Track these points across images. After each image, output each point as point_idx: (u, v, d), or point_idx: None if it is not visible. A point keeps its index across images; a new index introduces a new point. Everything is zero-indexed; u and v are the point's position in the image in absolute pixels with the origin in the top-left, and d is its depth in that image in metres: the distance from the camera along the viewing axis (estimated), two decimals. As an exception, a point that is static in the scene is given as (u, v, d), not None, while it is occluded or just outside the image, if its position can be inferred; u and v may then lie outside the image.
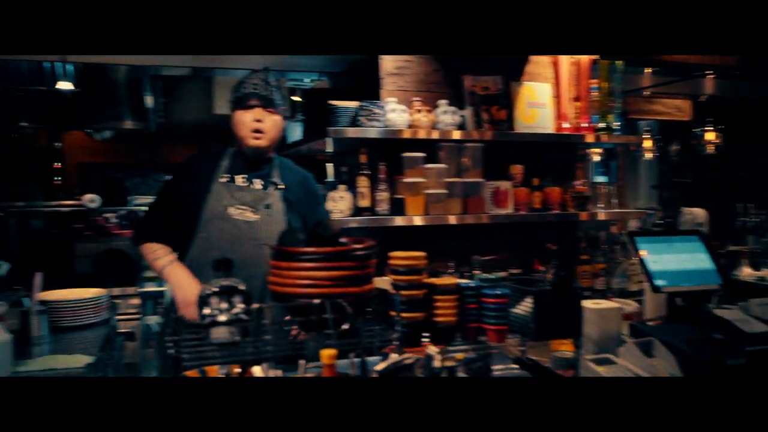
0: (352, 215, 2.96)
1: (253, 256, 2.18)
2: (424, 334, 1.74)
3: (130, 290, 4.19)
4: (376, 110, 2.94)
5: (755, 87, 5.51)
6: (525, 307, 1.87)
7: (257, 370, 1.50)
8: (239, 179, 2.32)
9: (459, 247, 3.12)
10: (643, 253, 1.99)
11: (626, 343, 1.76)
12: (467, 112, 3.15)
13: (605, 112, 3.37)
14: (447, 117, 3.07)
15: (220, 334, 1.41)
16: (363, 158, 3.02)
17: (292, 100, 6.15)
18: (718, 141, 6.30)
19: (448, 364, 1.56)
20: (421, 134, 3.01)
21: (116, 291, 4.02)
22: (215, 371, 1.53)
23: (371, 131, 2.93)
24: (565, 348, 1.94)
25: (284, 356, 1.55)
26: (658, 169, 7.45)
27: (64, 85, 3.25)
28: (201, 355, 1.43)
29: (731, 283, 2.24)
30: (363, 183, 3.00)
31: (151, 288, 4.35)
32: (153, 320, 4.06)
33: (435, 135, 3.04)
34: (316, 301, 1.42)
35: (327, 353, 1.41)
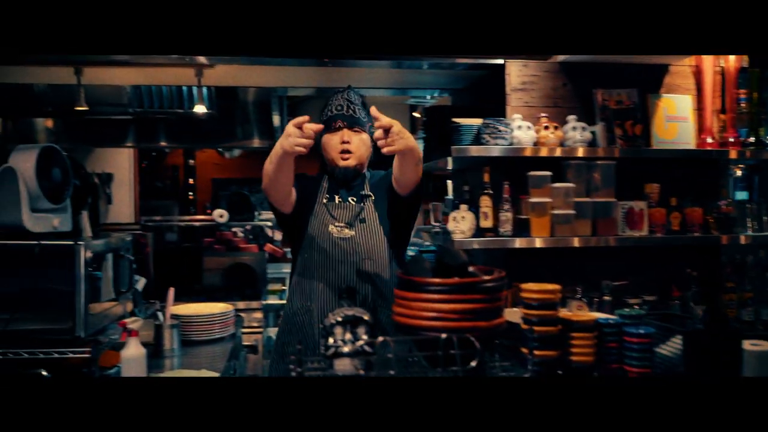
0: (474, 236, 2.87)
1: (352, 271, 2.24)
2: (559, 373, 1.62)
3: (255, 304, 4.32)
4: (501, 127, 2.84)
5: None
6: (672, 347, 1.69)
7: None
8: (337, 198, 2.38)
9: (587, 271, 2.93)
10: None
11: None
12: (598, 128, 2.96)
13: (755, 124, 3.06)
14: (576, 133, 2.91)
15: (343, 366, 1.37)
16: (486, 177, 2.92)
17: (414, 117, 6.17)
18: None
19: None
20: (549, 152, 2.87)
21: (241, 305, 4.15)
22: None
23: (496, 149, 2.83)
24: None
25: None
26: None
27: (200, 108, 3.40)
28: (324, 386, 1.40)
29: None
30: (486, 202, 2.90)
31: (273, 301, 4.46)
32: (275, 333, 4.16)
33: (563, 152, 2.89)
34: (443, 335, 1.35)
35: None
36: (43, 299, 2.02)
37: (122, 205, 6.02)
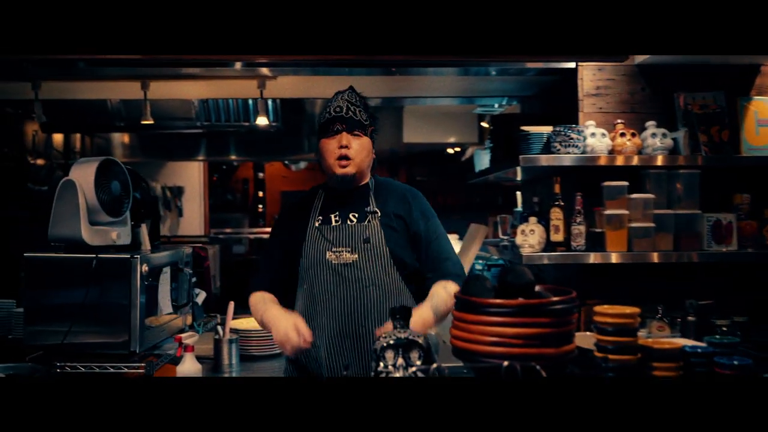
0: (543, 250, 2.70)
1: (358, 301, 2.02)
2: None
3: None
4: (573, 135, 2.66)
5: None
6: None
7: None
8: (333, 218, 2.11)
9: (668, 289, 2.71)
10: None
11: None
12: (681, 134, 2.74)
13: None
14: (655, 140, 2.70)
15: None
16: (557, 188, 2.75)
17: (482, 128, 6.02)
18: None
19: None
20: (625, 160, 2.67)
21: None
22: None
23: (567, 158, 2.65)
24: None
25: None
26: None
27: (262, 121, 3.38)
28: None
29: None
30: (557, 215, 2.73)
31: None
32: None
33: (641, 161, 2.68)
34: (505, 362, 1.21)
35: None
36: (100, 313, 2.01)
37: (192, 218, 6.15)
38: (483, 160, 3.71)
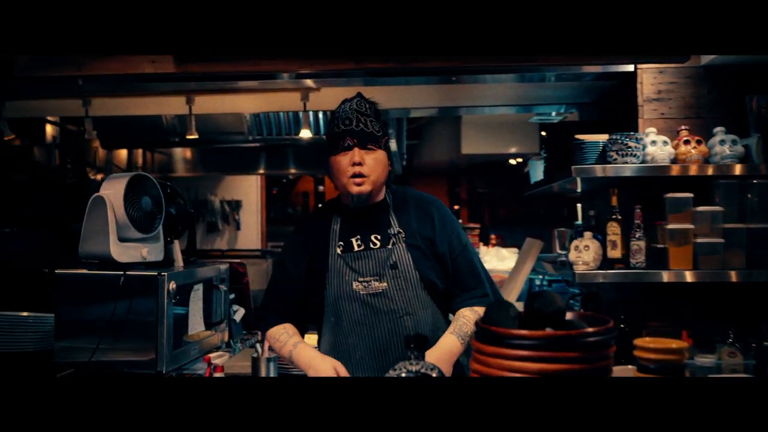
0: (599, 268, 2.50)
1: (394, 335, 1.88)
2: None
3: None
4: (631, 143, 2.47)
5: None
6: None
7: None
8: (355, 243, 1.94)
9: (741, 311, 2.47)
10: None
11: None
12: (753, 141, 2.49)
13: None
14: (724, 148, 2.46)
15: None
16: (614, 200, 2.55)
17: (542, 137, 5.81)
18: None
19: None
20: (690, 170, 2.45)
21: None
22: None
23: (625, 168, 2.46)
24: None
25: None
26: None
27: (305, 133, 3.32)
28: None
29: None
30: (614, 229, 2.53)
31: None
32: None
33: (708, 171, 2.45)
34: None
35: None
36: (128, 331, 1.96)
37: (250, 232, 6.19)
38: (538, 170, 3.53)
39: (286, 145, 5.37)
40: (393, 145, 4.94)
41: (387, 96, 3.47)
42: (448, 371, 1.82)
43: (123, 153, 5.45)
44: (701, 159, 2.47)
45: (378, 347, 1.90)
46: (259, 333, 2.77)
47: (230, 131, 4.51)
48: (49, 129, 4.87)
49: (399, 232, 1.95)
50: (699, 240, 2.42)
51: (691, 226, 2.42)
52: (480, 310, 1.90)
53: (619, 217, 2.52)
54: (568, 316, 1.19)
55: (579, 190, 3.38)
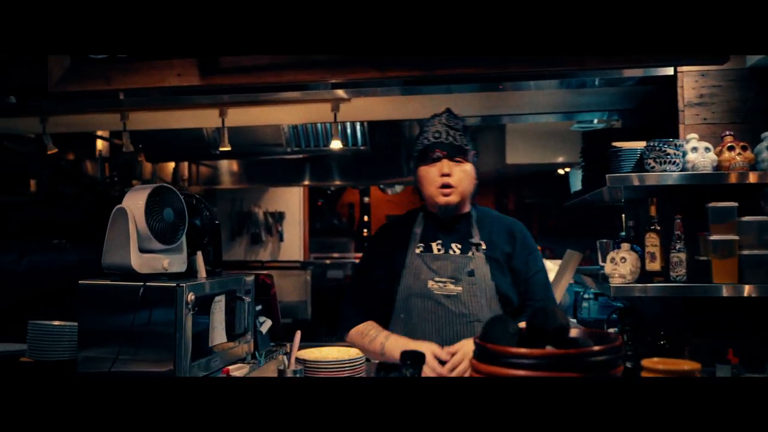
0: (637, 281, 2.38)
1: (462, 337, 1.90)
2: None
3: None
4: (670, 150, 2.34)
5: None
6: None
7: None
8: (435, 247, 2.02)
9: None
10: None
11: None
12: (805, 146, 2.33)
13: None
14: (773, 154, 2.31)
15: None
16: (653, 210, 2.43)
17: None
18: None
19: None
20: (735, 177, 2.31)
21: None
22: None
23: (662, 176, 2.34)
24: None
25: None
26: None
27: (336, 144, 3.30)
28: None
29: None
30: (652, 241, 2.40)
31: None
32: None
33: (756, 178, 2.30)
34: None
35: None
36: (147, 342, 1.97)
37: (293, 243, 6.23)
38: (577, 180, 3.41)
39: (330, 156, 5.39)
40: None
41: (423, 105, 3.43)
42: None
43: (170, 166, 5.57)
44: (747, 166, 2.32)
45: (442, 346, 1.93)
46: (288, 345, 2.76)
47: (269, 143, 4.56)
48: (100, 144, 5.02)
49: (479, 244, 2.02)
50: (745, 252, 2.27)
51: (736, 237, 2.28)
52: None
53: (659, 228, 2.40)
54: (574, 333, 1.11)
55: (622, 199, 3.25)
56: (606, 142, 2.69)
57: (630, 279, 2.39)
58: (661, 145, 2.35)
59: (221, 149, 3.14)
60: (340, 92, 2.98)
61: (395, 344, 1.93)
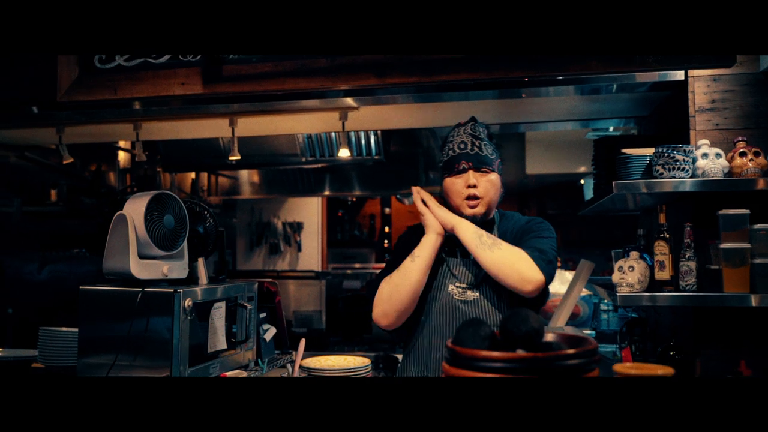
0: (646, 290, 2.32)
1: None
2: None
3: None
4: (679, 156, 2.29)
5: None
6: None
7: None
8: (459, 252, 2.02)
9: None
10: None
11: None
12: (820, 152, 2.26)
13: None
14: (786, 160, 2.25)
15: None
16: (662, 217, 2.37)
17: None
18: None
19: None
20: (746, 184, 2.25)
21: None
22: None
23: (671, 183, 2.28)
24: None
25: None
26: None
27: (344, 153, 3.30)
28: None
29: None
30: (662, 249, 2.35)
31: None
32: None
33: (763, 185, 2.24)
34: None
35: None
36: (144, 347, 1.97)
37: (311, 253, 6.23)
38: (591, 188, 3.35)
39: (348, 166, 5.39)
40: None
41: (437, 113, 3.41)
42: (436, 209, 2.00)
43: (189, 177, 5.63)
44: (759, 172, 2.26)
45: None
46: (293, 352, 2.75)
47: (285, 153, 4.57)
48: (121, 155, 5.10)
49: None
50: (757, 260, 2.20)
51: (748, 245, 2.21)
52: (521, 253, 1.89)
53: (668, 236, 2.34)
54: (550, 337, 1.08)
55: (632, 207, 3.19)
56: (617, 149, 2.64)
57: (638, 288, 2.33)
58: (669, 151, 2.30)
59: (231, 158, 3.16)
60: (349, 100, 2.98)
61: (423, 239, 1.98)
